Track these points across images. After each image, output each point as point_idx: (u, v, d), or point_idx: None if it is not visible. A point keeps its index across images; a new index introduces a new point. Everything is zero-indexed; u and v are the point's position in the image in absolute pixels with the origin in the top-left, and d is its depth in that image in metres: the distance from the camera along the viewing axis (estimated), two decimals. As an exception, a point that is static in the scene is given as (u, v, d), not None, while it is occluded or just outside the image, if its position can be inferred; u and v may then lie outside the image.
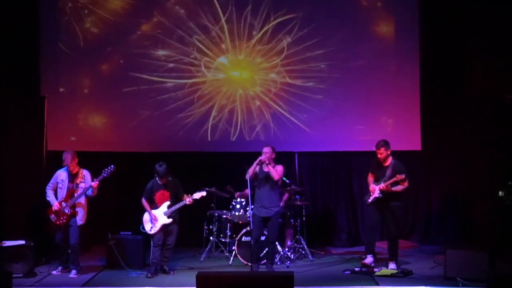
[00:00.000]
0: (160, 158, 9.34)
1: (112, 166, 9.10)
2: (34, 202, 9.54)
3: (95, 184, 9.01)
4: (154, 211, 9.19)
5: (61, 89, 11.09)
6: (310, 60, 11.04)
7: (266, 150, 9.17)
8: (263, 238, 9.35)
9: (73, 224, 9.10)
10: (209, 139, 11.15)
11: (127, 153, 11.10)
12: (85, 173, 9.22)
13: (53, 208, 9.09)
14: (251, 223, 8.93)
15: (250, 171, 9.06)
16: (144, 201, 9.25)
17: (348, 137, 11.10)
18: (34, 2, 11.01)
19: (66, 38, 11.10)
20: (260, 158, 9.05)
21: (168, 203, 9.18)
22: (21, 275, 8.93)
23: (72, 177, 9.16)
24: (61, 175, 9.23)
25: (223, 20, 11.06)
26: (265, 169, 9.15)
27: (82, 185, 9.11)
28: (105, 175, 9.06)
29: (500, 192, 9.89)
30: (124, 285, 8.72)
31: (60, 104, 11.00)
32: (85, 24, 11.11)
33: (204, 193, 9.27)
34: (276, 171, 9.11)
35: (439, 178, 11.24)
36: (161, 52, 11.14)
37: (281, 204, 9.85)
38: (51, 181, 9.26)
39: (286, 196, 10.29)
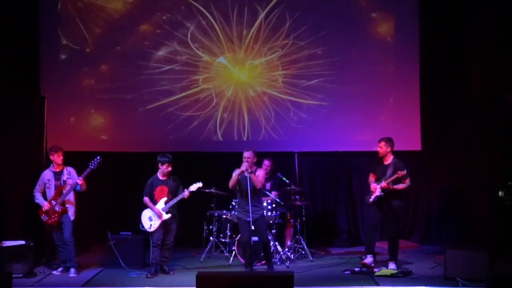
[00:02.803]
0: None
1: (98, 157, 9.11)
2: (34, 202, 9.51)
3: (80, 181, 9.02)
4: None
5: (61, 89, 11.08)
6: (310, 60, 11.04)
7: (248, 155, 8.96)
8: (256, 239, 9.30)
9: (66, 220, 9.13)
10: (208, 139, 11.15)
11: (127, 153, 11.10)
12: (70, 169, 9.26)
13: (43, 208, 9.11)
14: (251, 223, 8.91)
15: (232, 182, 8.95)
16: (146, 199, 9.22)
17: (348, 137, 11.10)
18: (34, 2, 11.01)
19: (66, 38, 11.10)
20: (241, 168, 8.85)
21: (165, 199, 9.14)
22: (21, 275, 8.92)
23: (58, 175, 9.20)
24: (47, 175, 9.26)
25: (223, 20, 11.06)
26: (247, 174, 9.00)
27: (69, 181, 9.13)
28: (92, 167, 9.07)
29: (500, 192, 9.88)
30: (124, 285, 8.72)
31: (60, 104, 11.00)
32: (85, 24, 11.10)
33: (200, 184, 9.21)
34: (258, 179, 8.95)
35: (439, 178, 11.25)
36: (160, 52, 11.14)
37: (275, 194, 10.01)
38: (38, 183, 9.27)
39: (274, 193, 10.29)
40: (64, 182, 9.16)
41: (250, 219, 8.81)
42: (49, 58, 11.08)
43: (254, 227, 9.06)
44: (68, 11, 11.11)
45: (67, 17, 11.11)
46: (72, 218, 9.16)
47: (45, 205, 9.11)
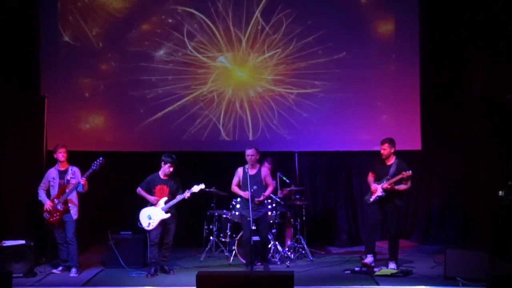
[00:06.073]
0: (160, 157, 9.32)
1: (101, 158, 9.10)
2: (34, 201, 9.52)
3: (83, 180, 9.03)
4: (152, 207, 9.14)
5: (61, 89, 11.08)
6: (310, 60, 11.04)
7: (250, 152, 9.17)
8: (257, 238, 9.32)
9: (68, 220, 9.14)
10: (208, 138, 11.15)
11: (127, 153, 11.11)
12: (75, 169, 9.27)
13: (45, 207, 9.13)
14: (251, 222, 8.93)
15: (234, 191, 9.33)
16: (139, 189, 9.19)
17: (348, 137, 11.10)
18: (34, 2, 11.01)
19: (66, 38, 11.11)
20: (245, 196, 9.10)
21: (165, 198, 9.13)
22: (21, 275, 8.93)
23: (62, 174, 9.23)
24: (52, 173, 9.29)
25: (224, 19, 11.07)
26: (251, 172, 9.16)
27: (72, 181, 9.15)
28: (94, 167, 9.07)
29: (500, 192, 9.86)
30: (124, 285, 8.72)
31: (60, 104, 11.00)
32: (85, 23, 11.11)
33: (202, 186, 9.21)
34: (268, 184, 9.25)
35: (439, 178, 11.24)
36: (161, 52, 11.14)
37: (280, 195, 10.02)
38: (43, 181, 9.31)
39: (286, 191, 10.30)
40: (68, 181, 9.18)
41: (251, 218, 8.88)
42: (49, 58, 11.08)
43: (256, 225, 9.10)
44: (68, 10, 11.12)
45: (67, 17, 11.11)
46: (74, 217, 9.18)
47: (47, 204, 9.13)
